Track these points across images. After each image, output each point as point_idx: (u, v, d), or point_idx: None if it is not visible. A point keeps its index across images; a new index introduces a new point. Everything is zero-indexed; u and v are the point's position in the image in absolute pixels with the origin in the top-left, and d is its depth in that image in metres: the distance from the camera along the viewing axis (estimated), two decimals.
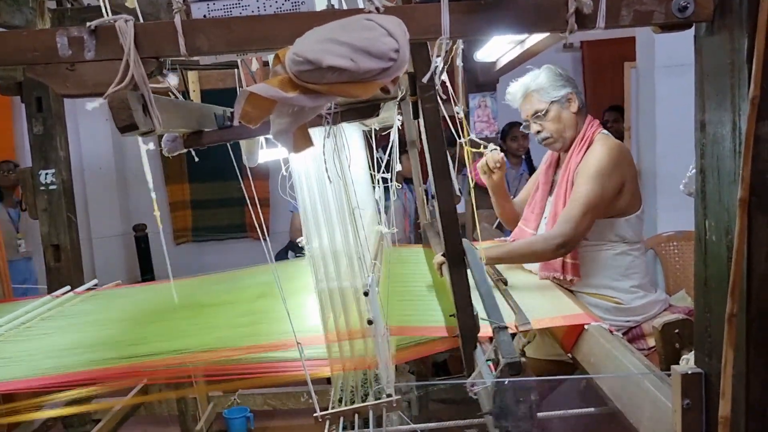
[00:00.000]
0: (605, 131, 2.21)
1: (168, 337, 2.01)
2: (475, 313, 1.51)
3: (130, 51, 1.02)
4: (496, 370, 1.31)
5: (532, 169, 4.43)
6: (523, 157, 4.49)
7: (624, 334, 2.05)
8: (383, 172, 2.44)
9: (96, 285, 3.10)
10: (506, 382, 1.22)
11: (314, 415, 1.50)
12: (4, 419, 2.22)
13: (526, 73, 2.26)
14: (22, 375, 1.86)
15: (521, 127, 2.34)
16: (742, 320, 0.94)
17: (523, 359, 1.24)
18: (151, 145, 1.67)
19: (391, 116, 2.24)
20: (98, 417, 3.41)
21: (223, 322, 2.14)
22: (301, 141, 0.93)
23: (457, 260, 1.50)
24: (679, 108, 2.50)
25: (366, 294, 1.45)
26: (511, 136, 4.41)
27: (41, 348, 2.09)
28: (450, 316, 1.66)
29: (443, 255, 1.73)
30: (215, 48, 1.05)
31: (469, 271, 1.58)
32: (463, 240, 1.57)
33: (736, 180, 0.96)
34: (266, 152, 2.02)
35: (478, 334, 1.53)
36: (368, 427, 1.46)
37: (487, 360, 1.40)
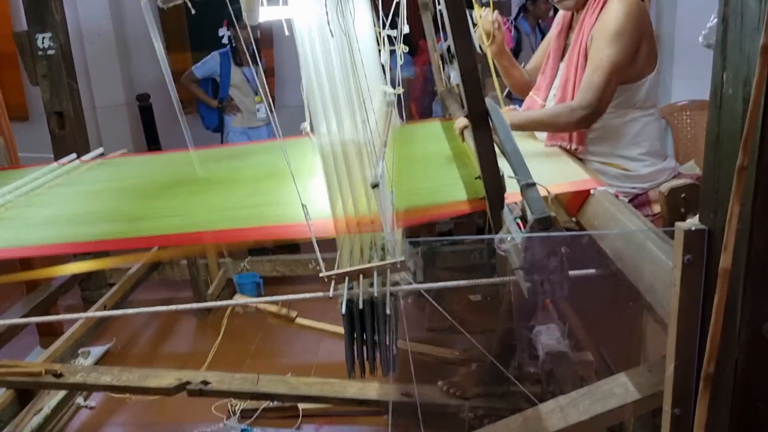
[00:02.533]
0: None
1: (176, 214, 2.03)
2: (501, 173, 1.48)
3: None
4: (524, 227, 1.30)
5: None
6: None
7: (630, 201, 2.05)
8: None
9: (102, 154, 3.11)
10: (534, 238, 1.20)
11: (320, 275, 1.52)
12: (24, 274, 2.28)
13: None
14: (33, 242, 1.89)
15: None
16: (752, 173, 0.91)
17: (552, 214, 1.22)
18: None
19: None
20: (113, 281, 3.54)
21: (232, 201, 2.14)
22: None
23: (480, 120, 1.46)
24: None
25: (375, 186, 1.41)
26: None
27: (51, 216, 2.11)
28: (475, 178, 1.63)
29: (466, 116, 1.69)
30: None
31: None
32: (486, 99, 1.51)
33: (760, 27, 0.90)
34: (266, 10, 1.93)
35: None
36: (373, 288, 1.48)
37: (516, 218, 1.38)
